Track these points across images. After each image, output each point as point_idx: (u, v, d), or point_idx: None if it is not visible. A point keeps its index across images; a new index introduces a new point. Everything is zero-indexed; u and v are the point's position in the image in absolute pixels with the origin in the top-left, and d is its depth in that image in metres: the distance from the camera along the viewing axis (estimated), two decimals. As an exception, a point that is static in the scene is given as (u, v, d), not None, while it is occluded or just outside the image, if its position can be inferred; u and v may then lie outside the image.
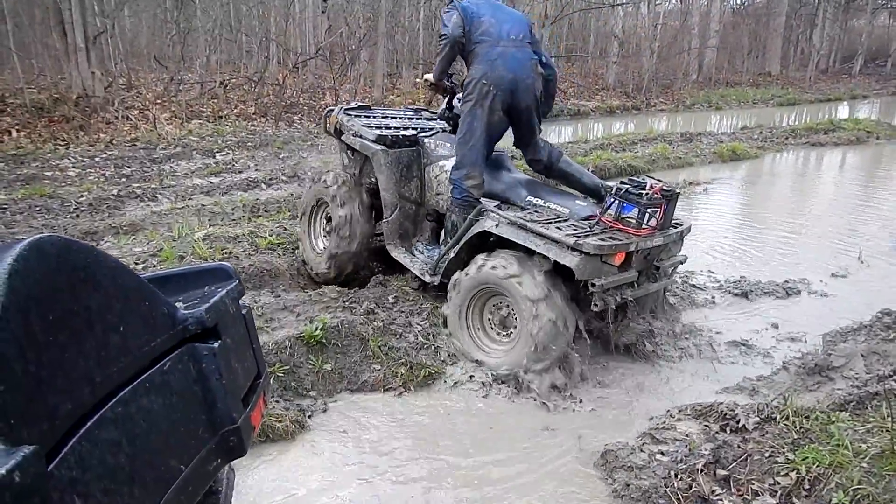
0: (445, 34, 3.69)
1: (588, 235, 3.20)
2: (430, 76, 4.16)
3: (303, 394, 3.32)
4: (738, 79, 21.14)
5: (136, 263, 4.23)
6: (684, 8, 21.95)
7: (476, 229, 3.61)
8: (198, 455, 1.17)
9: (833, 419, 2.77)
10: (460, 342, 3.63)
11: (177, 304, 1.27)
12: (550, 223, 3.36)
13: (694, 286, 4.81)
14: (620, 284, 3.30)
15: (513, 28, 3.69)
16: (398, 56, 15.90)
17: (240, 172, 7.96)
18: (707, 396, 3.35)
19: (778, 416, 2.92)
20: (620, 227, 3.28)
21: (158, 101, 10.63)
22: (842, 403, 2.97)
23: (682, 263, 3.83)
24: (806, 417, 2.88)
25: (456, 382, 3.50)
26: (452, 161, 4.07)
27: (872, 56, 26.36)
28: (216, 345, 1.26)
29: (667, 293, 4.13)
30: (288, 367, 3.34)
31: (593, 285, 3.18)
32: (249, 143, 9.57)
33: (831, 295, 4.71)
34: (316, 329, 3.48)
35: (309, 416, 3.16)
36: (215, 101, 11.57)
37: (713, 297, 4.67)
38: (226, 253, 4.39)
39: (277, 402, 3.18)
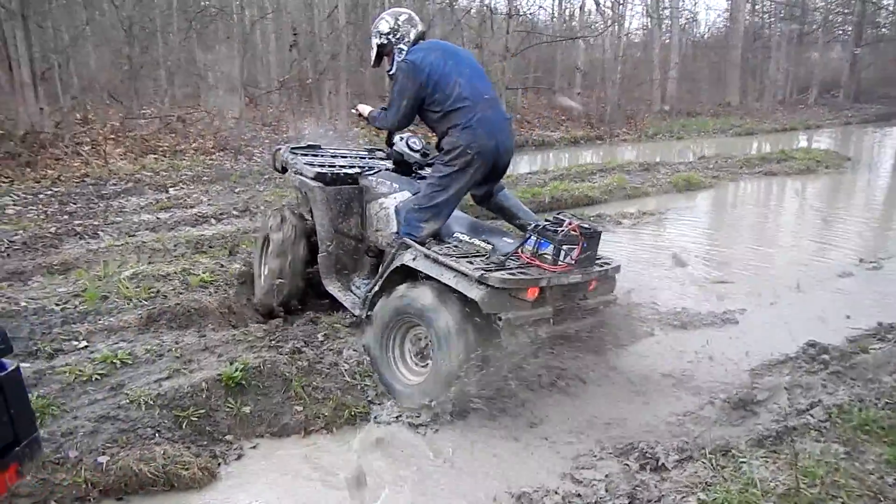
0: (398, 103, 3.68)
1: (498, 269, 3.18)
2: (364, 110, 4.12)
3: (218, 438, 3.20)
4: (698, 109, 21.57)
5: (57, 305, 4.11)
6: (646, 40, 22.48)
7: (396, 262, 3.61)
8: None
9: (747, 456, 2.75)
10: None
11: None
12: (466, 257, 3.36)
13: (634, 318, 4.79)
14: (534, 321, 3.26)
15: (482, 83, 3.70)
16: (363, 88, 15.98)
17: (191, 207, 7.85)
18: (633, 431, 3.31)
19: (696, 455, 2.90)
20: (537, 263, 3.27)
21: (112, 136, 10.51)
22: (760, 439, 2.95)
23: (610, 303, 3.78)
24: (724, 455, 2.86)
25: (381, 423, 3.42)
26: (393, 198, 4.07)
27: (827, 87, 27.12)
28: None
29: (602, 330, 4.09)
30: (203, 411, 3.23)
31: (500, 319, 3.14)
32: (205, 178, 9.48)
33: (767, 324, 4.72)
34: (235, 370, 3.39)
35: (221, 463, 3.05)
36: (173, 135, 11.47)
37: (652, 329, 4.66)
38: (153, 292, 4.29)
39: (188, 447, 3.06)
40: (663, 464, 2.89)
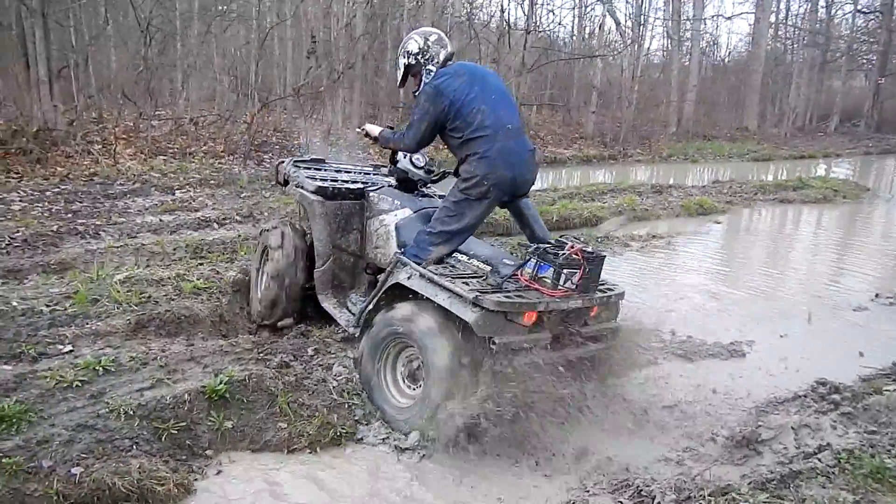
0: (417, 126, 3.57)
1: (494, 292, 3.06)
2: (373, 130, 3.99)
3: (198, 453, 3.09)
4: (715, 133, 21.37)
5: (47, 306, 4.02)
6: (665, 61, 22.37)
7: (391, 281, 3.49)
8: None
9: (749, 500, 2.60)
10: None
11: None
12: (462, 278, 3.24)
13: (637, 345, 4.63)
14: (531, 346, 3.13)
15: (507, 112, 3.55)
16: (377, 99, 15.94)
17: (196, 211, 7.79)
18: (630, 466, 3.16)
19: (695, 495, 2.75)
20: (536, 286, 3.14)
21: (124, 136, 10.50)
22: (763, 482, 2.79)
23: (613, 331, 3.62)
24: (724, 496, 2.70)
25: (367, 444, 3.30)
26: (394, 215, 3.98)
27: (848, 116, 26.84)
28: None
29: (604, 359, 3.93)
30: (184, 424, 3.12)
31: (494, 343, 3.02)
32: (212, 181, 9.43)
33: (776, 358, 4.54)
34: (220, 383, 3.28)
35: (198, 478, 2.94)
36: (184, 137, 11.45)
37: (656, 358, 4.50)
38: (144, 297, 4.20)
39: (167, 462, 2.95)
40: (659, 503, 2.74)
